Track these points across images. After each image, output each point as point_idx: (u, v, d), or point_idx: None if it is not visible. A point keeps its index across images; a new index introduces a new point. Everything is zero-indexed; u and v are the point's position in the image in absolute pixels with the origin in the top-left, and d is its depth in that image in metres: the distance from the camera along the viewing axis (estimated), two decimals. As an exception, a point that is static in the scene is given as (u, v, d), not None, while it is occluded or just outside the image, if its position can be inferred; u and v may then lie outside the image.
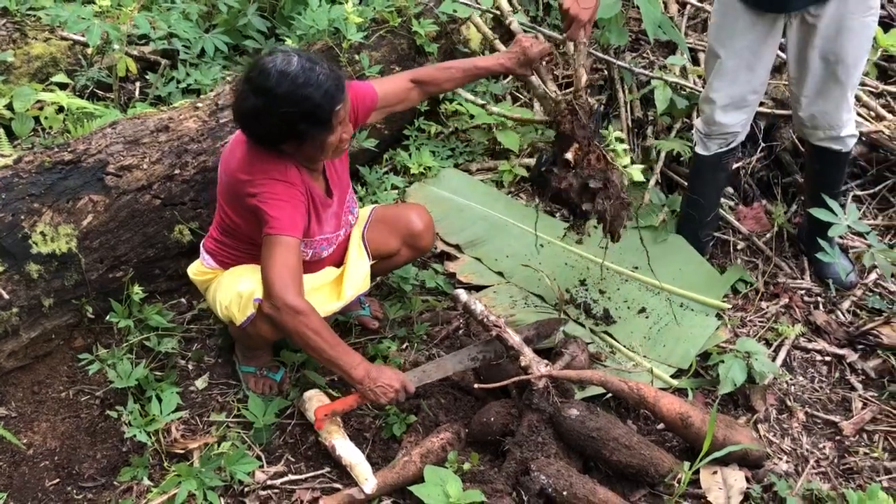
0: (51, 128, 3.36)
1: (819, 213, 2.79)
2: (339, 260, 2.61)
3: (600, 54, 3.87)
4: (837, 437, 2.57)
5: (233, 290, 2.33)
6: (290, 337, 2.25)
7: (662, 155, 3.56)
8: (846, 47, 2.65)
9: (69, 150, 2.68)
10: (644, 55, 4.04)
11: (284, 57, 2.12)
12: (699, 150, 3.02)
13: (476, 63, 2.73)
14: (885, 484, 2.39)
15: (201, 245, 2.53)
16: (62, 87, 3.59)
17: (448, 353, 2.62)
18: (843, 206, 2.89)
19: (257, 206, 2.20)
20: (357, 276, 2.56)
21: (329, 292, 2.52)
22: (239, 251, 2.42)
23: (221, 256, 2.46)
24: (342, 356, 2.22)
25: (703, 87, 2.97)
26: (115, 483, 2.31)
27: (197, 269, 2.55)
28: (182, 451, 2.39)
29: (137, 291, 2.64)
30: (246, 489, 2.29)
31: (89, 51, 3.84)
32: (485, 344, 2.55)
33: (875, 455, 2.49)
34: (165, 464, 2.34)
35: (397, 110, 2.73)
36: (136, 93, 3.90)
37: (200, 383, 2.64)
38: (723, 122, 2.88)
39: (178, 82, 3.79)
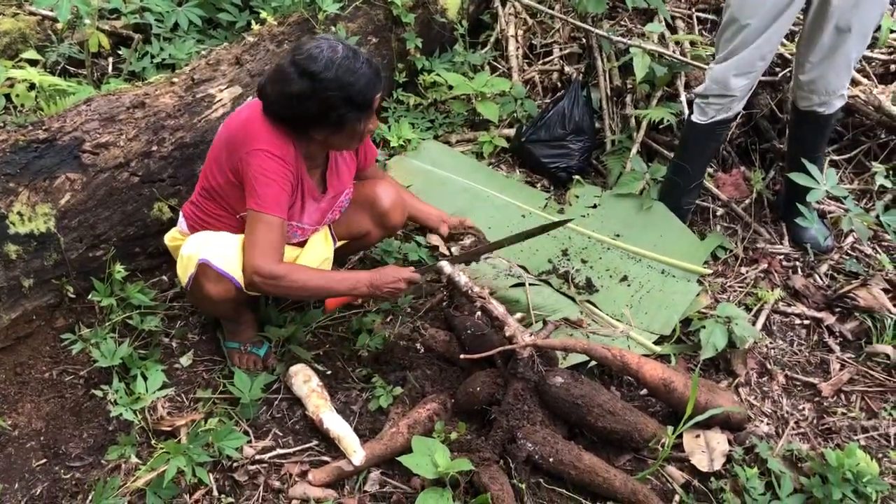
0: (22, 106, 3.29)
1: (798, 178, 2.82)
2: (305, 242, 2.61)
3: (578, 22, 3.86)
4: (816, 399, 2.62)
5: (180, 254, 2.39)
6: (287, 297, 2.60)
7: (644, 124, 3.56)
8: (861, 19, 2.68)
9: (43, 128, 2.63)
10: (622, 23, 4.03)
11: (330, 44, 2.19)
12: (696, 117, 3.03)
13: (420, 209, 2.85)
14: (863, 442, 2.45)
15: (181, 210, 2.55)
16: (32, 63, 3.52)
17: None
18: (821, 171, 2.92)
19: (250, 178, 2.23)
20: (313, 258, 2.56)
21: None
22: (212, 217, 2.42)
23: (194, 220, 2.46)
24: (340, 286, 2.37)
25: (715, 50, 2.96)
26: (102, 462, 2.30)
27: (171, 236, 2.58)
28: (169, 429, 2.38)
29: (119, 270, 2.62)
30: (235, 464, 2.30)
31: (59, 26, 3.76)
32: None
33: (853, 415, 2.55)
34: (153, 441, 2.34)
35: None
36: (110, 68, 3.83)
37: (185, 360, 2.63)
38: (728, 84, 2.87)
39: (153, 57, 3.73)
